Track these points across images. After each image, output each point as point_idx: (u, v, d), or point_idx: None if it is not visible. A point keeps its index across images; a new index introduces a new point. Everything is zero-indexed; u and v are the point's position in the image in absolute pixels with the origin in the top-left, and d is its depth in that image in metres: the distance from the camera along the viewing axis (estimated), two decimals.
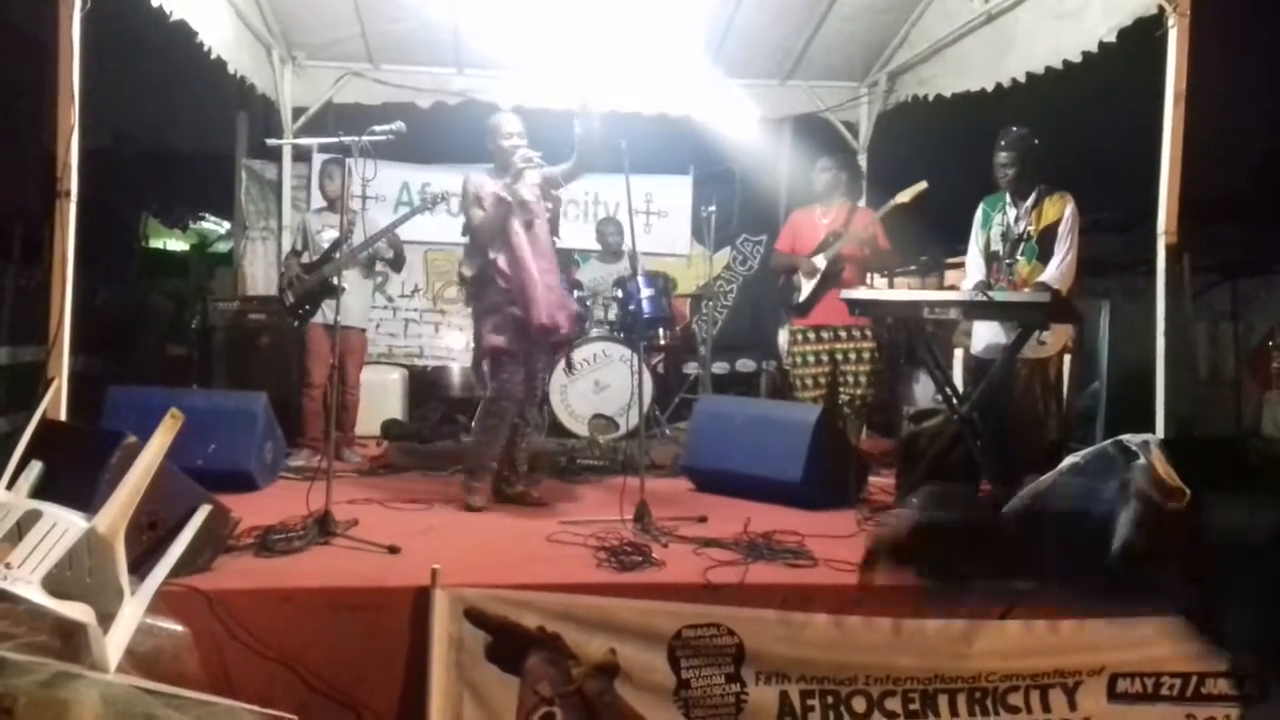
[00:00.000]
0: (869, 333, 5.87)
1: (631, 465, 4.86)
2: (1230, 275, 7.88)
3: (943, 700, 3.20)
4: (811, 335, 5.95)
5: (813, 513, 4.56)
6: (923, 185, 5.59)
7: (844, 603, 3.26)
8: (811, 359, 5.96)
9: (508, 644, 3.08)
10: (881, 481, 5.42)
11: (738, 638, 3.16)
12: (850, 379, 5.91)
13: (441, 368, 8.24)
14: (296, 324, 5.92)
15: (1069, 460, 3.69)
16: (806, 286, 5.90)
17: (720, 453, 5.20)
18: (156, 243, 13.06)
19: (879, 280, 6.43)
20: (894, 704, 3.19)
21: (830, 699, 3.18)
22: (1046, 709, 3.23)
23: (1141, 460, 3.39)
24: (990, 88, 6.02)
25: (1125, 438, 3.55)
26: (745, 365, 8.19)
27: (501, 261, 4.64)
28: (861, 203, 6.54)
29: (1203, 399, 7.33)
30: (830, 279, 5.80)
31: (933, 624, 3.22)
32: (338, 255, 5.67)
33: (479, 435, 4.77)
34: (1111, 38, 4.87)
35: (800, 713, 3.16)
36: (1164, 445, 3.47)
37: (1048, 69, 5.43)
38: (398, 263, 6.15)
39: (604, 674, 3.08)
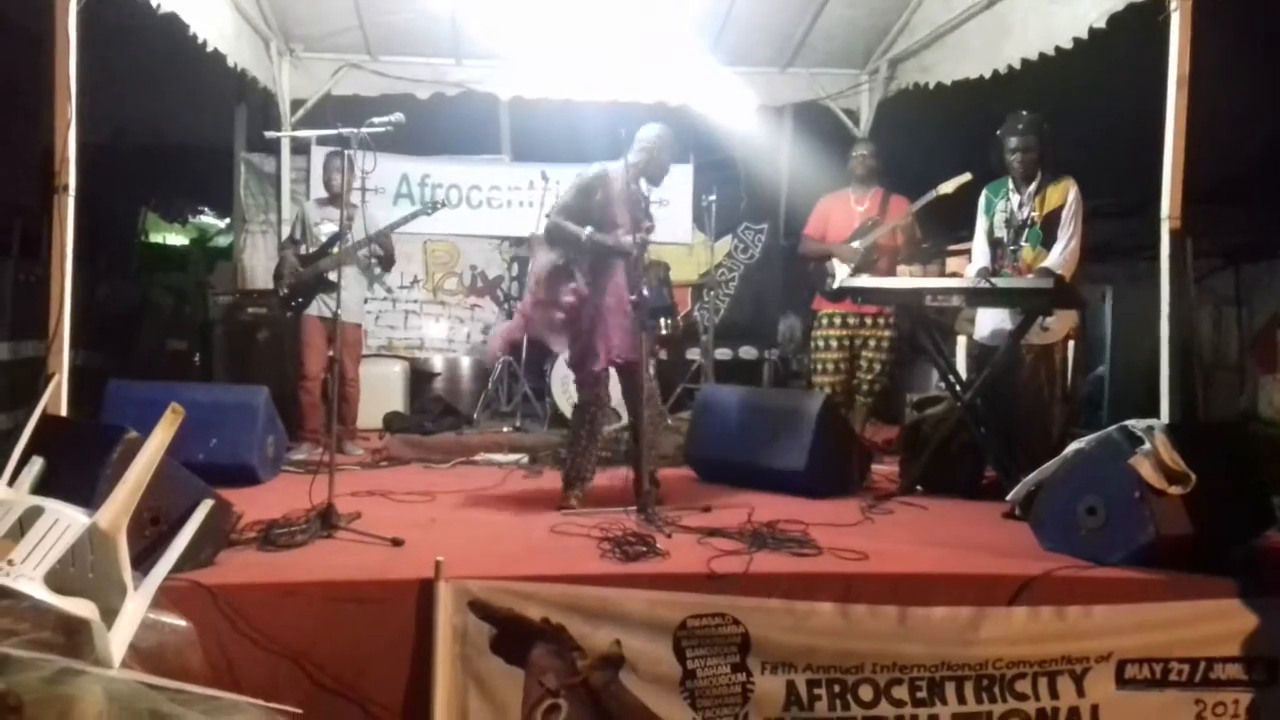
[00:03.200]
0: (892, 321, 5.85)
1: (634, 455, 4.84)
2: (1234, 260, 7.86)
3: (950, 688, 3.19)
4: (837, 320, 5.92)
5: (816, 501, 4.56)
6: (967, 177, 5.49)
7: (849, 591, 3.24)
8: (834, 344, 5.94)
9: (512, 636, 3.06)
10: (885, 469, 5.42)
11: (743, 627, 3.15)
12: (865, 365, 5.89)
13: (442, 359, 8.22)
14: (290, 314, 5.91)
15: (1074, 446, 3.68)
16: (841, 272, 5.81)
17: (723, 442, 5.19)
18: (156, 237, 13.02)
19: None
20: (901, 692, 3.17)
21: (837, 688, 3.16)
22: (1054, 696, 3.21)
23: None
24: (989, 74, 6.00)
25: (1131, 423, 3.54)
26: (748, 353, 8.17)
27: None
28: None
29: (1207, 383, 7.32)
30: (864, 269, 5.74)
31: (939, 611, 3.21)
32: (335, 249, 5.65)
33: (570, 444, 4.67)
34: (1102, 23, 4.85)
35: (807, 702, 3.15)
36: (1169, 430, 3.47)
37: (1042, 55, 5.41)
38: (387, 263, 6.13)
39: (609, 665, 3.07)
